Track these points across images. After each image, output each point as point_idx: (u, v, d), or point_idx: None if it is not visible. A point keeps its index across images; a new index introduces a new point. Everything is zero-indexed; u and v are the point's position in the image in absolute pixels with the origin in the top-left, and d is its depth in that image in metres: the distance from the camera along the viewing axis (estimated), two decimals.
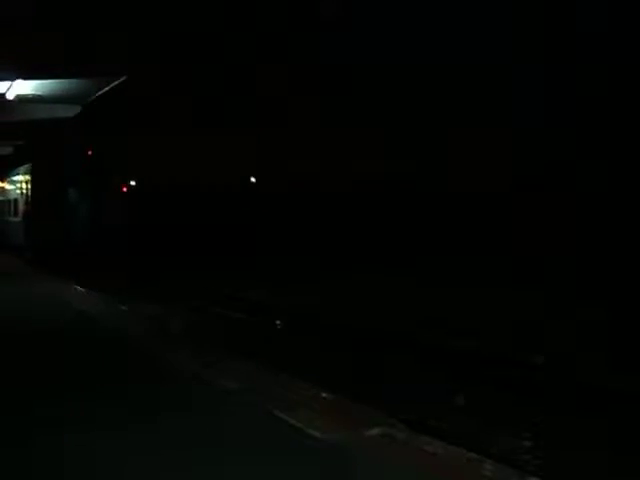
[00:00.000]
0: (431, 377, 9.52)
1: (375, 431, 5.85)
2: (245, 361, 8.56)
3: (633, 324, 11.79)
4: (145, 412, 6.30)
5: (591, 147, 18.68)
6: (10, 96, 17.83)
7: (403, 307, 14.54)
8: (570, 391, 8.61)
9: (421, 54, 21.00)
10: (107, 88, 18.09)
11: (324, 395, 6.94)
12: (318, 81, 26.59)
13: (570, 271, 16.96)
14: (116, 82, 17.42)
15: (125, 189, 28.29)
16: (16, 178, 29.96)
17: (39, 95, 18.24)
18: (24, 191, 27.56)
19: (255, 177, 31.08)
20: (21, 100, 18.34)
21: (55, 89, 18.01)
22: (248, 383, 7.30)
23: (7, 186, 32.76)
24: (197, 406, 6.55)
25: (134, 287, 18.56)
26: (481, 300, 14.75)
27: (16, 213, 29.35)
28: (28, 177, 26.90)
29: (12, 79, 16.30)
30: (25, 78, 16.33)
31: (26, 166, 27.68)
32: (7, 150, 29.45)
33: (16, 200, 29.55)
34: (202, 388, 7.23)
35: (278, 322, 14.87)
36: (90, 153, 27.24)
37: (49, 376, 7.69)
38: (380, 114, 25.50)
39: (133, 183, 28.70)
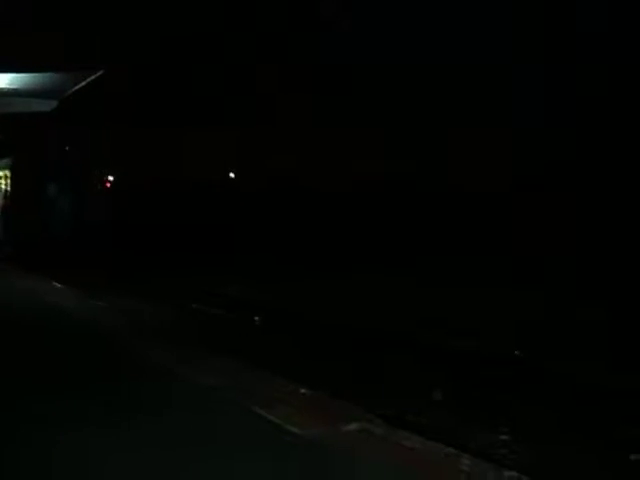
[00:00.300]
0: (421, 375, 9.53)
1: (353, 426, 5.86)
2: (223, 357, 8.52)
3: (633, 324, 11.86)
4: (121, 409, 6.24)
5: (591, 147, 18.84)
6: None
7: (395, 306, 14.55)
8: (564, 389, 8.68)
9: (421, 54, 21.08)
10: (84, 83, 17.95)
11: (303, 391, 6.93)
12: (314, 80, 26.42)
13: (570, 271, 17.05)
14: (92, 77, 17.27)
15: (108, 184, 27.85)
16: None
17: (15, 89, 18.06)
18: (2, 185, 27.25)
19: (239, 174, 30.77)
20: None
21: (31, 83, 17.84)
22: (226, 379, 7.28)
23: None
24: (175, 402, 6.51)
25: (113, 283, 18.40)
26: (481, 300, 14.76)
27: None
28: (7, 172, 26.56)
29: None
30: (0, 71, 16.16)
31: (5, 160, 27.23)
32: None
33: None
34: (179, 384, 7.19)
35: (257, 319, 14.82)
36: (69, 147, 26.90)
37: (17, 372, 7.60)
38: (380, 114, 25.40)
39: (113, 178, 28.30)
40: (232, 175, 30.86)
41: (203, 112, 27.43)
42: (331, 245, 24.37)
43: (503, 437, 7.03)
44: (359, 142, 26.48)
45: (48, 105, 20.44)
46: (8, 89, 18.03)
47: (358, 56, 22.97)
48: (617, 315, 12.93)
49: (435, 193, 24.84)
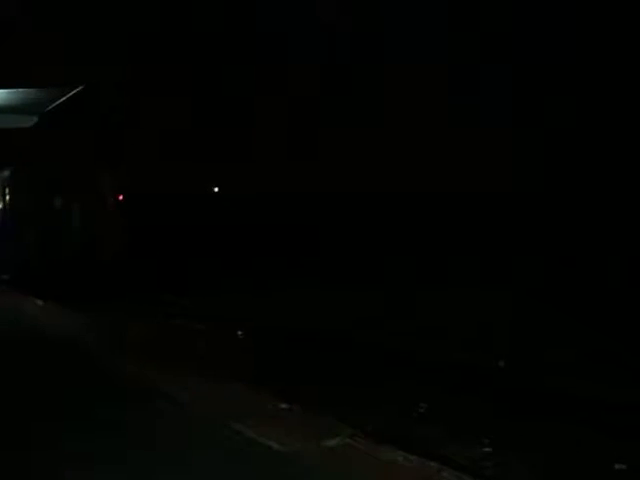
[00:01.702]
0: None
1: (334, 441, 5.77)
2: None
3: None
4: (105, 427, 6.14)
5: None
6: None
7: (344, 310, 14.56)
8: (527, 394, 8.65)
9: (420, 54, 21.10)
10: (63, 98, 17.89)
11: (283, 406, 6.84)
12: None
13: (538, 272, 17.02)
14: (72, 92, 17.22)
15: (121, 197, 23.76)
16: None
17: None
18: None
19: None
20: None
21: (12, 99, 17.78)
22: (199, 393, 7.20)
23: None
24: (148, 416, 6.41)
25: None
26: (446, 301, 14.78)
27: None
28: (4, 185, 22.87)
29: None
30: None
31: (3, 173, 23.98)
32: None
33: None
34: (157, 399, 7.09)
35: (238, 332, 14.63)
36: (74, 156, 22.95)
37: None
38: (380, 114, 25.04)
39: (124, 190, 23.96)
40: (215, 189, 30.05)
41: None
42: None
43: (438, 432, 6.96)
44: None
45: (29, 121, 20.37)
46: None
47: (358, 56, 22.90)
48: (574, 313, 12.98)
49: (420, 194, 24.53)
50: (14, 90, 16.97)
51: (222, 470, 5.11)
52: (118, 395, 7.40)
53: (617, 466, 6.26)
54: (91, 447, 5.57)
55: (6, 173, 22.64)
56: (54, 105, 18.53)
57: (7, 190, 22.11)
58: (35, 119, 20.29)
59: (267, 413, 6.54)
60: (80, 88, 16.71)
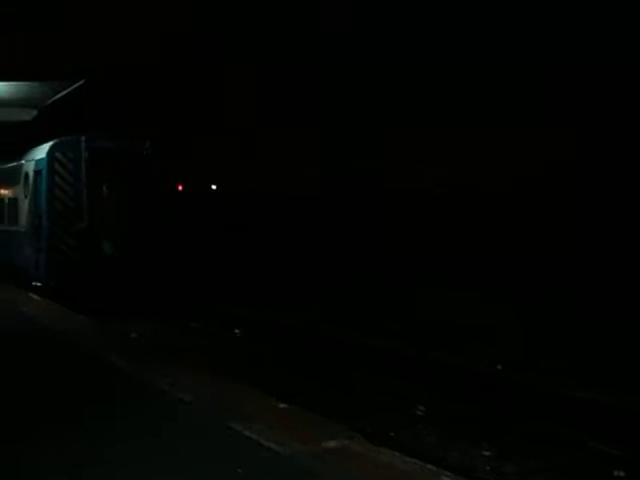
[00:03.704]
0: None
1: (332, 443, 5.76)
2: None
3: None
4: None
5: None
6: None
7: None
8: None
9: (421, 54, 21.00)
10: (64, 92, 17.79)
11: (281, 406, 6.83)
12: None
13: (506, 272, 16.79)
14: (73, 86, 17.12)
15: (180, 187, 19.71)
16: (14, 168, 20.03)
17: None
18: (30, 188, 17.94)
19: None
20: None
21: (13, 92, 17.68)
22: (202, 393, 7.17)
23: (2, 179, 21.85)
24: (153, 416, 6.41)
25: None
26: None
27: (14, 219, 19.75)
28: (40, 167, 17.30)
29: None
30: None
31: (37, 150, 18.20)
32: None
33: (15, 200, 19.85)
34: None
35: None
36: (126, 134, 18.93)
37: None
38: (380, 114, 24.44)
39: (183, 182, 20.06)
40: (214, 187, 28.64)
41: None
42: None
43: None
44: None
45: (28, 114, 20.25)
46: None
47: (360, 56, 22.62)
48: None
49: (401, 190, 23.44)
50: (14, 83, 16.88)
51: (223, 470, 5.14)
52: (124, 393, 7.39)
53: (616, 473, 6.28)
54: None
55: (40, 155, 17.48)
56: (55, 98, 18.35)
57: (38, 179, 17.24)
58: (35, 112, 20.13)
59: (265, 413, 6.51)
60: (81, 82, 16.60)
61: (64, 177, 16.66)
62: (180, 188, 19.07)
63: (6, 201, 20.90)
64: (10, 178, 20.37)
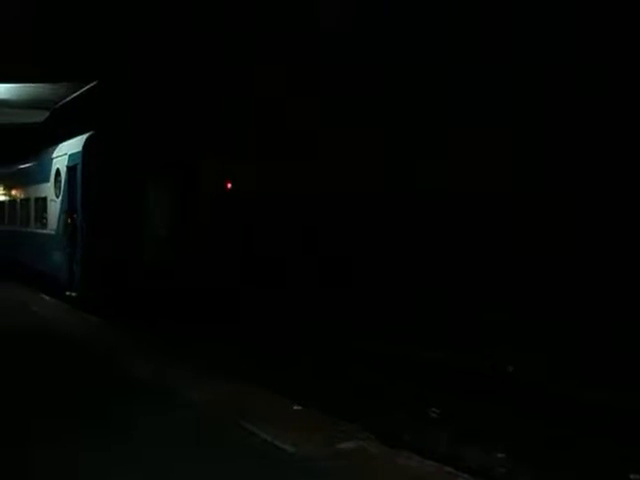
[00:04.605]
0: None
1: (348, 445, 5.74)
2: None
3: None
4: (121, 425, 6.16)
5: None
6: None
7: None
8: None
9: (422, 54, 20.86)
10: (75, 94, 17.85)
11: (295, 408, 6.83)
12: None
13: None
14: (85, 88, 17.17)
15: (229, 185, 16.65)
16: (41, 166, 18.20)
17: (5, 99, 17.96)
18: (62, 186, 15.89)
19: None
20: None
21: (23, 94, 17.76)
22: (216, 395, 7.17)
23: (24, 177, 20.20)
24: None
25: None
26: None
27: (43, 220, 17.75)
28: (74, 162, 15.12)
29: None
30: None
31: (70, 144, 15.92)
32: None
33: (42, 201, 17.85)
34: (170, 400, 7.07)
35: None
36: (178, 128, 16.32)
37: None
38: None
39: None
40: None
41: None
42: None
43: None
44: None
45: (40, 116, 20.36)
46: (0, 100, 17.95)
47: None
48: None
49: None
50: (25, 85, 16.96)
51: (238, 471, 5.13)
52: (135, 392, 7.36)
53: (632, 476, 6.23)
54: None
55: (74, 148, 15.35)
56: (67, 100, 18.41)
57: (72, 175, 15.16)
58: (47, 114, 20.23)
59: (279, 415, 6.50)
60: (93, 84, 16.64)
61: (103, 173, 14.40)
62: (229, 186, 16.18)
63: (32, 202, 18.98)
64: (36, 177, 18.47)
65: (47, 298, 15.91)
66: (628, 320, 11.15)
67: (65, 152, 15.84)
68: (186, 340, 11.37)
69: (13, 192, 21.53)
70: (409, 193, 19.57)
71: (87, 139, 14.67)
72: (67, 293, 14.76)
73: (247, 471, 5.15)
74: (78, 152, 14.78)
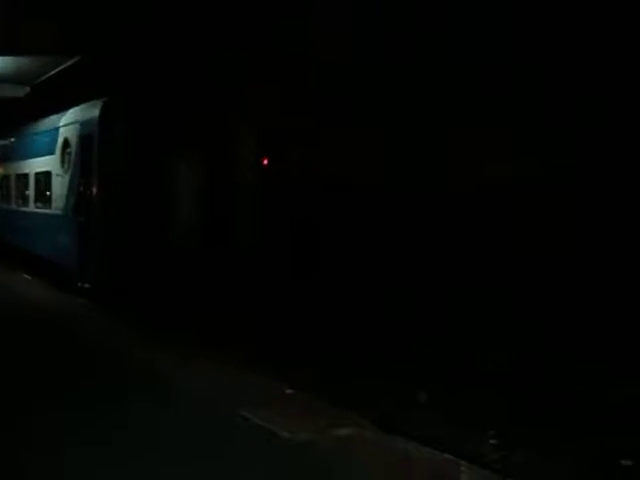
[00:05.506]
0: None
1: (345, 431, 5.74)
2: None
3: None
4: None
5: None
6: None
7: None
8: None
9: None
10: (57, 69, 17.56)
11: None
12: None
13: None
14: (67, 63, 16.89)
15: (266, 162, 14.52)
16: (44, 135, 15.85)
17: None
18: (72, 159, 13.63)
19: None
20: None
21: (4, 67, 17.47)
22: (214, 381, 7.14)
23: (21, 149, 17.87)
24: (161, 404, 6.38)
25: None
26: None
27: (46, 199, 15.39)
28: (88, 131, 12.96)
29: None
30: None
31: (82, 109, 13.82)
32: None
33: (45, 176, 15.46)
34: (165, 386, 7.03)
35: None
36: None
37: None
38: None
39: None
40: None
41: None
42: None
43: None
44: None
45: (21, 91, 20.04)
46: None
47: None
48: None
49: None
50: (6, 58, 16.66)
51: (234, 457, 5.12)
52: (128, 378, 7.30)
53: (623, 462, 6.28)
54: None
55: (88, 114, 13.17)
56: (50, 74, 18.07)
57: (86, 146, 12.92)
58: (27, 89, 19.89)
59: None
60: (76, 59, 16.34)
61: (122, 144, 12.34)
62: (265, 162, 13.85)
63: (31, 178, 16.48)
64: (36, 148, 16.17)
65: (49, 290, 13.75)
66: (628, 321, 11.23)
67: (76, 119, 13.70)
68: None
69: (6, 166, 19.08)
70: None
71: (104, 103, 12.58)
72: (79, 284, 12.70)
73: (245, 456, 5.13)
74: (94, 118, 12.66)
